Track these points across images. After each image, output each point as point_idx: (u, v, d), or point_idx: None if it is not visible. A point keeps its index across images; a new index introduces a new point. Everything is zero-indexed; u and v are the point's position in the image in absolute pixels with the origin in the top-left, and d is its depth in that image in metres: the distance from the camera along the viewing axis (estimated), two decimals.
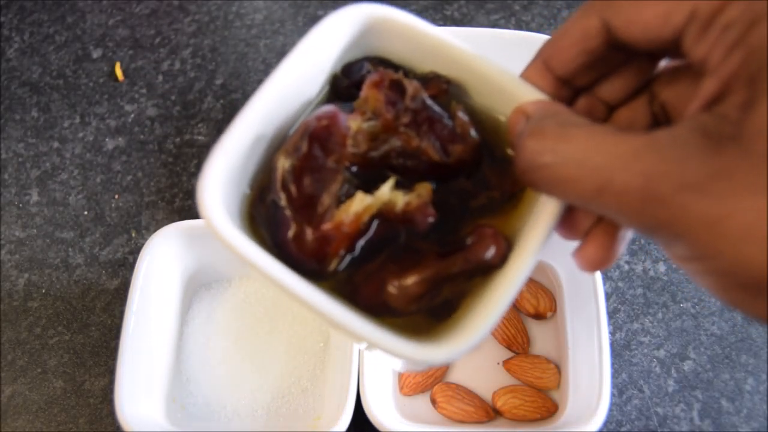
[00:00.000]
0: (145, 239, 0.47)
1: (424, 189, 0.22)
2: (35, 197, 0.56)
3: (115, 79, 0.62)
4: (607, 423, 0.47)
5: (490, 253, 0.22)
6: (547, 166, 0.20)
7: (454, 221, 0.24)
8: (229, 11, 0.65)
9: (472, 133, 0.23)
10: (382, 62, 0.26)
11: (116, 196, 0.56)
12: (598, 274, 0.44)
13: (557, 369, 0.47)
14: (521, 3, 0.64)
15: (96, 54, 0.63)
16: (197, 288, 0.50)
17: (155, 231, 0.45)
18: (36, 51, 0.64)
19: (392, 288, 0.22)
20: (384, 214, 0.22)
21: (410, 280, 0.22)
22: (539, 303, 0.48)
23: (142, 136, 0.59)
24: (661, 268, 0.52)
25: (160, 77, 0.62)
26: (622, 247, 0.22)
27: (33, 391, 0.48)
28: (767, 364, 0.48)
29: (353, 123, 0.23)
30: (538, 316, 0.49)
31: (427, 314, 0.23)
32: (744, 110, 0.17)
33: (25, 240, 0.54)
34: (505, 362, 0.47)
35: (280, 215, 0.22)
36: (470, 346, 0.21)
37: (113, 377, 0.41)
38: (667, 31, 0.20)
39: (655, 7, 0.20)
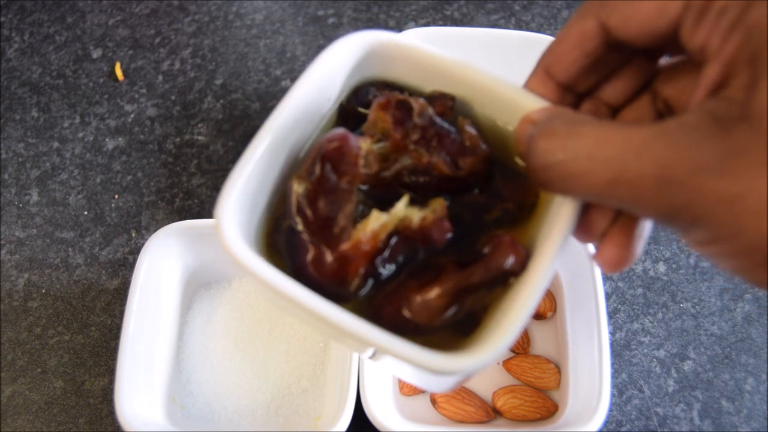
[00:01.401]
0: (145, 239, 0.47)
1: (439, 204, 0.22)
2: (35, 197, 0.56)
3: (115, 79, 0.62)
4: (607, 423, 0.47)
5: (509, 261, 0.22)
6: (560, 163, 0.20)
7: (471, 235, 0.24)
8: (229, 11, 0.65)
9: (482, 145, 0.24)
10: (387, 86, 0.26)
11: (116, 196, 0.56)
12: (598, 274, 0.44)
13: (557, 369, 0.47)
14: (521, 3, 0.64)
15: (96, 54, 0.63)
16: (197, 288, 0.50)
17: (155, 231, 0.45)
18: (36, 51, 0.64)
19: (415, 304, 0.22)
20: (401, 232, 0.22)
21: (432, 293, 0.22)
22: (539, 303, 0.48)
23: (142, 136, 0.59)
24: (661, 268, 0.52)
25: (160, 77, 0.62)
26: (641, 245, 0.22)
27: (33, 391, 0.48)
28: (767, 364, 0.48)
29: (363, 143, 0.23)
30: (538, 316, 0.49)
31: (452, 330, 0.23)
32: (749, 90, 0.17)
33: (25, 240, 0.54)
34: (505, 362, 0.47)
35: (297, 240, 0.22)
36: (498, 353, 0.21)
37: (113, 377, 0.41)
38: (663, 24, 0.20)
39: (649, 2, 0.20)
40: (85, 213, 0.55)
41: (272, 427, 0.45)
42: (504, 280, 0.22)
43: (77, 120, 0.60)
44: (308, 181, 0.22)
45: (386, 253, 0.22)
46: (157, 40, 0.64)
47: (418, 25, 0.64)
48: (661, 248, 0.53)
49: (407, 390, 0.46)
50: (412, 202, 0.23)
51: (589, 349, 0.43)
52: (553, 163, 0.20)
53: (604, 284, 0.50)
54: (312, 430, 0.44)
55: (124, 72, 0.62)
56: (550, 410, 0.45)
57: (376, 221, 0.22)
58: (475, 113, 0.26)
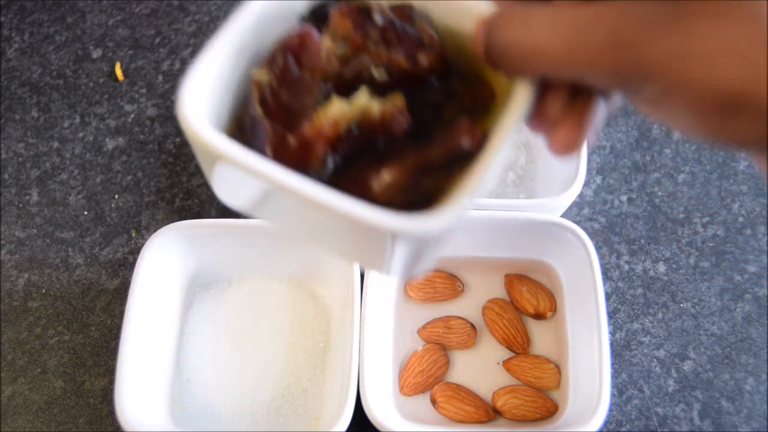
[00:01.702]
0: (145, 239, 0.47)
1: (398, 98, 0.23)
2: (35, 197, 0.56)
3: (115, 79, 0.62)
4: (607, 423, 0.47)
5: (466, 140, 0.23)
6: (518, 43, 0.21)
7: (429, 131, 0.25)
8: (229, 11, 0.65)
9: (441, 43, 0.24)
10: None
11: (116, 196, 0.56)
12: (598, 274, 0.44)
13: (557, 369, 0.47)
14: None
15: (96, 54, 0.63)
16: (197, 288, 0.50)
17: (155, 231, 0.45)
18: (36, 51, 0.64)
19: (376, 181, 0.23)
20: (361, 123, 0.23)
21: (392, 170, 0.23)
22: (539, 303, 0.49)
23: (142, 136, 0.59)
24: (661, 268, 0.52)
25: (160, 77, 0.62)
26: (592, 129, 0.24)
27: (33, 391, 0.48)
28: (767, 364, 0.48)
29: (326, 40, 0.24)
30: (538, 316, 0.49)
31: (411, 208, 0.24)
32: None
33: (25, 240, 0.54)
34: (505, 362, 0.47)
35: (259, 129, 0.23)
36: (458, 213, 0.22)
37: (113, 377, 0.41)
38: None
39: None
40: (85, 213, 0.55)
41: (272, 427, 0.45)
42: (461, 161, 0.23)
43: (77, 120, 0.60)
44: (270, 71, 0.23)
45: (347, 141, 0.23)
46: (157, 40, 0.64)
47: None
48: (661, 248, 0.53)
49: (407, 390, 0.46)
50: (372, 97, 0.23)
51: (589, 349, 0.43)
52: (511, 44, 0.21)
53: (604, 284, 0.50)
54: (312, 430, 0.44)
55: (124, 72, 0.62)
56: (550, 410, 0.45)
57: (338, 108, 0.22)
58: (433, 22, 0.26)
